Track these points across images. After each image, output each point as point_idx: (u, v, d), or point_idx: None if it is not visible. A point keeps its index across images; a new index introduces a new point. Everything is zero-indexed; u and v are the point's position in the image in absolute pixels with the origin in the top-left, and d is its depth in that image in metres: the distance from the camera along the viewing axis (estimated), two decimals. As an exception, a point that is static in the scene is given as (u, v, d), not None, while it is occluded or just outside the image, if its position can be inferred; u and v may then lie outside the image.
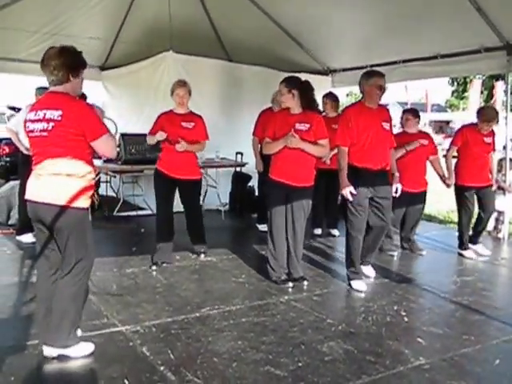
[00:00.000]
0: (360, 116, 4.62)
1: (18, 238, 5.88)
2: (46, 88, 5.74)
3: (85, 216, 3.15)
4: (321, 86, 8.60)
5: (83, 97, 3.30)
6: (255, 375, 3.01)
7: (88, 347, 3.18)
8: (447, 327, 3.91)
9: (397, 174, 4.91)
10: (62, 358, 3.07)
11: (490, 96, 28.28)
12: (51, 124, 3.02)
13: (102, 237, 6.31)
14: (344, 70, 9.04)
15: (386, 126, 4.69)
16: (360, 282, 4.73)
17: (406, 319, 4.03)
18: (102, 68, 9.31)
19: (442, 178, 5.98)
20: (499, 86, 22.50)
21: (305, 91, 4.59)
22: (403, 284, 4.86)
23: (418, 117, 6.09)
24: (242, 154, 7.71)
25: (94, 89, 8.86)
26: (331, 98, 6.88)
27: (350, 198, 4.58)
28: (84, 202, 3.10)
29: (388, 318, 4.02)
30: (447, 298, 4.57)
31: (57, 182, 3.03)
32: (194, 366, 3.08)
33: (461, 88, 38.48)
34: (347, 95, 50.72)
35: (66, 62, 3.14)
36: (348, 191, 4.57)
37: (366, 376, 3.07)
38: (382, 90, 4.61)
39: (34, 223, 3.16)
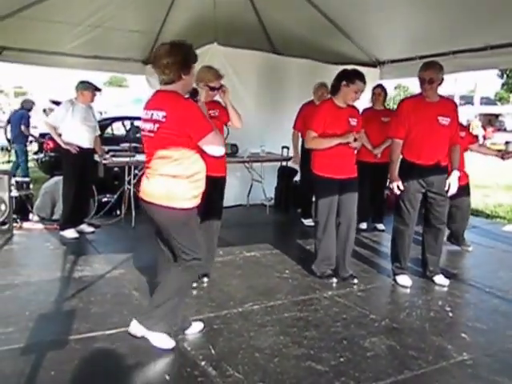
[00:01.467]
0: (415, 109, 4.53)
1: (61, 233, 6.02)
2: (87, 82, 6.02)
3: (189, 216, 3.17)
4: (368, 78, 8.55)
5: (194, 91, 3.30)
6: (296, 370, 3.05)
7: (167, 343, 3.26)
8: (492, 322, 3.86)
9: (456, 172, 4.60)
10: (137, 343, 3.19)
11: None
12: (156, 125, 3.05)
13: (146, 232, 6.38)
14: (392, 61, 8.82)
15: (444, 120, 4.46)
16: (405, 277, 4.69)
17: (450, 314, 4.00)
18: (146, 62, 8.96)
19: (498, 154, 5.77)
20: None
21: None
22: (448, 279, 4.79)
23: None
24: (287, 148, 7.71)
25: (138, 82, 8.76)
26: (381, 90, 6.81)
27: (397, 192, 4.55)
28: (188, 203, 3.12)
29: (432, 314, 4.00)
30: (492, 293, 4.50)
31: (162, 183, 3.08)
32: (235, 360, 3.13)
33: (510, 80, 37.30)
34: (395, 88, 49.87)
35: (177, 61, 3.07)
36: (396, 185, 4.54)
37: (408, 371, 3.07)
38: (432, 81, 4.43)
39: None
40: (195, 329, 3.52)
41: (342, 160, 4.60)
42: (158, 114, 3.05)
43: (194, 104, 3.13)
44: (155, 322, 3.24)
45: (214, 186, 4.19)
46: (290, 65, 8.26)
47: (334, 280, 4.67)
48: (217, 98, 4.45)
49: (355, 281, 4.67)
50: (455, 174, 4.55)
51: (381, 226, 6.92)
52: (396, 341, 3.49)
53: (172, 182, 3.07)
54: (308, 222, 6.82)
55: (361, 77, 4.57)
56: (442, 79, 4.47)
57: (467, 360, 3.23)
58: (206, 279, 4.53)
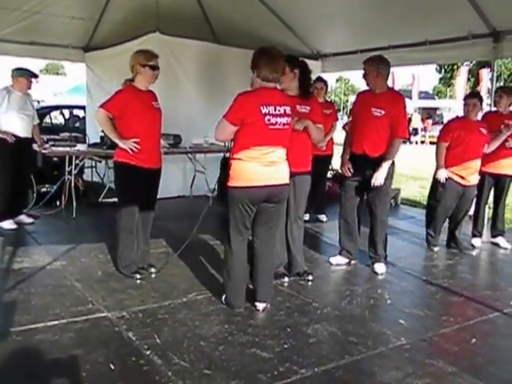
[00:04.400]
0: (359, 100, 4.99)
1: None
2: (23, 69, 5.80)
3: None
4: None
5: None
6: (241, 357, 3.09)
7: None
8: (428, 309, 4.04)
9: (385, 164, 4.61)
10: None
11: (477, 83, 28.47)
12: (289, 119, 3.63)
13: (87, 223, 6.40)
14: (334, 54, 9.01)
15: (377, 112, 4.58)
16: (338, 258, 5.05)
17: (388, 302, 4.16)
18: (86, 49, 8.99)
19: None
20: (484, 73, 22.66)
21: (305, 72, 4.43)
22: (388, 269, 4.95)
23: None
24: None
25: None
26: (321, 83, 6.92)
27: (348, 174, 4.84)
28: None
29: (372, 301, 4.13)
30: (428, 281, 4.69)
31: (287, 167, 3.71)
32: (181, 349, 3.14)
33: (448, 75, 38.72)
34: (337, 80, 50.77)
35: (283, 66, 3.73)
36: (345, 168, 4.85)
37: (348, 356, 3.16)
38: (365, 74, 4.71)
39: (251, 205, 3.60)
40: None
41: (294, 152, 4.29)
42: (288, 110, 3.62)
43: None
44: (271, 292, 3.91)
45: (151, 178, 4.36)
46: (232, 55, 8.26)
47: (286, 280, 4.47)
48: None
49: (310, 277, 4.55)
50: (383, 166, 4.59)
51: (323, 217, 7.04)
52: (337, 327, 3.59)
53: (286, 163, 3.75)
54: None
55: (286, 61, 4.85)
56: (383, 72, 4.64)
57: (405, 345, 3.36)
58: (153, 270, 4.53)
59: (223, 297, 3.86)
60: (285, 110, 3.58)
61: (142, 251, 4.48)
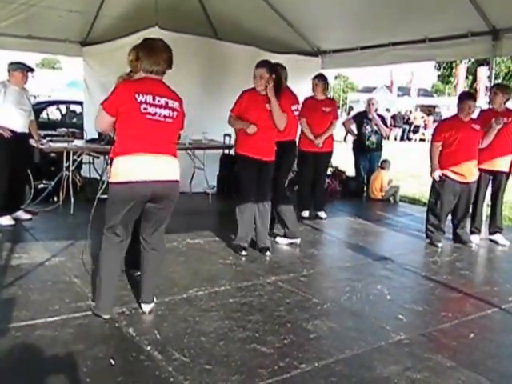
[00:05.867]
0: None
1: None
2: (18, 63, 5.77)
3: None
4: (310, 68, 8.64)
5: None
6: (242, 353, 3.09)
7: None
8: (427, 304, 4.07)
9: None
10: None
11: (474, 81, 28.51)
12: (175, 113, 3.44)
13: (85, 219, 6.33)
14: (334, 51, 9.02)
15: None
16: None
17: (388, 297, 4.16)
18: (83, 43, 8.79)
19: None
20: (483, 71, 22.68)
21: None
22: (388, 265, 5.00)
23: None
24: (229, 136, 7.71)
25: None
26: (322, 80, 6.90)
27: None
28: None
29: (371, 297, 4.14)
30: (427, 277, 4.71)
31: (174, 162, 3.48)
32: (181, 345, 3.14)
33: (447, 73, 38.73)
34: (336, 77, 50.72)
35: (170, 57, 3.48)
36: None
37: (348, 351, 3.18)
38: None
39: (134, 201, 3.35)
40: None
41: (263, 142, 4.98)
42: (174, 104, 3.45)
43: None
44: (153, 293, 3.67)
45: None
46: (232, 51, 8.23)
47: (244, 253, 5.05)
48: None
49: (268, 253, 5.09)
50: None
51: (322, 214, 7.05)
52: (337, 323, 3.60)
53: (175, 160, 3.51)
54: None
55: (257, 64, 5.17)
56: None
57: (404, 339, 3.37)
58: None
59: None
60: (167, 102, 3.37)
61: None
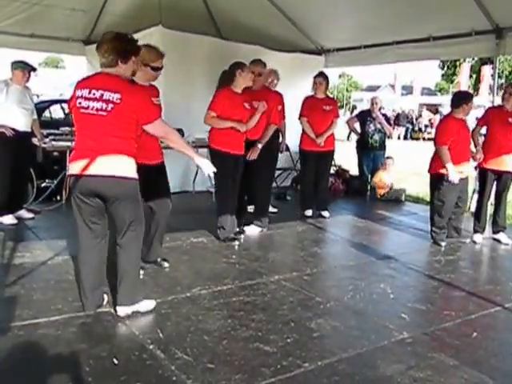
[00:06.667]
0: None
1: None
2: (20, 62, 5.77)
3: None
4: (314, 66, 8.62)
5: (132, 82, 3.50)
6: (244, 351, 3.09)
7: (151, 303, 3.60)
8: (430, 303, 4.05)
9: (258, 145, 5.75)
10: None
11: (478, 80, 28.45)
12: (110, 105, 3.21)
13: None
14: (338, 50, 9.00)
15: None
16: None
17: (391, 296, 4.15)
18: (87, 42, 8.85)
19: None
20: (486, 69, 22.62)
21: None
22: (391, 264, 4.99)
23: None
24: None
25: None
26: (326, 78, 6.90)
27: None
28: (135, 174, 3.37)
29: (374, 296, 4.13)
30: (431, 276, 4.69)
31: (111, 157, 3.27)
32: (184, 343, 3.14)
33: (450, 71, 38.67)
34: (340, 76, 50.64)
35: (116, 47, 3.31)
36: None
37: (351, 350, 3.17)
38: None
39: (82, 197, 3.36)
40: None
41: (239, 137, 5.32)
42: (112, 96, 3.21)
43: (145, 89, 3.36)
44: (133, 294, 3.51)
45: (157, 173, 4.29)
46: (236, 50, 8.15)
47: (236, 243, 5.41)
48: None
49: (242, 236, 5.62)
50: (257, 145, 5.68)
51: (325, 214, 7.02)
52: (340, 322, 3.59)
53: (119, 156, 3.30)
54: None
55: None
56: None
57: (407, 338, 3.36)
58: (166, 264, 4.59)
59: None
60: (101, 95, 3.22)
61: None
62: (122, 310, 3.48)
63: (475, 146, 5.87)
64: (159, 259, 4.55)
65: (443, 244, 5.70)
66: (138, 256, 3.58)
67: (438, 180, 5.61)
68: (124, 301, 3.48)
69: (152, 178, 4.05)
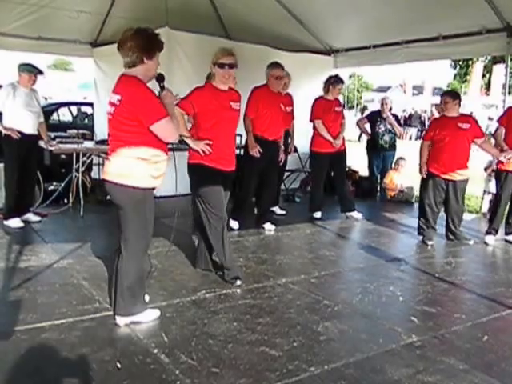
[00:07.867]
0: None
1: (5, 222, 5.76)
2: (27, 64, 5.78)
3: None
4: (323, 67, 8.57)
5: (160, 77, 3.34)
6: (250, 356, 3.04)
7: (154, 313, 3.50)
8: (440, 306, 3.97)
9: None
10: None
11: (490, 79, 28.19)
12: (113, 108, 3.20)
13: (95, 221, 6.35)
14: (347, 50, 8.94)
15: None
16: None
17: (400, 299, 4.08)
18: (94, 44, 8.88)
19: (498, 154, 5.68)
20: (499, 68, 22.44)
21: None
22: (401, 266, 4.93)
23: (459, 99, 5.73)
24: (240, 136, 7.64)
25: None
26: (343, 84, 6.90)
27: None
28: (145, 182, 3.25)
29: (383, 299, 4.07)
30: (441, 279, 4.61)
31: (111, 161, 3.27)
32: (189, 347, 3.10)
33: (463, 71, 38.34)
34: (350, 77, 50.48)
35: (139, 44, 3.17)
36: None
37: (359, 354, 3.11)
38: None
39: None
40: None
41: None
42: (115, 98, 3.18)
43: (147, 89, 3.18)
44: (131, 306, 3.37)
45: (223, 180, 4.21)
46: (243, 51, 8.07)
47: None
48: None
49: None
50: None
51: (356, 214, 6.93)
52: (348, 325, 3.53)
53: (126, 161, 3.21)
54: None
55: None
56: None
57: (416, 342, 3.30)
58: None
59: None
60: (111, 98, 3.23)
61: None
62: (119, 320, 3.39)
63: (500, 146, 5.73)
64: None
65: (430, 243, 5.71)
66: (130, 271, 3.34)
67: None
68: (119, 310, 3.39)
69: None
